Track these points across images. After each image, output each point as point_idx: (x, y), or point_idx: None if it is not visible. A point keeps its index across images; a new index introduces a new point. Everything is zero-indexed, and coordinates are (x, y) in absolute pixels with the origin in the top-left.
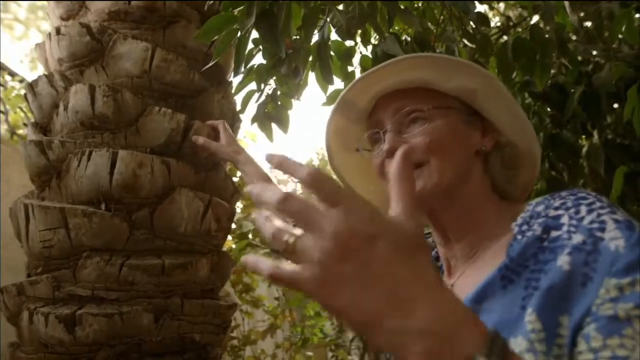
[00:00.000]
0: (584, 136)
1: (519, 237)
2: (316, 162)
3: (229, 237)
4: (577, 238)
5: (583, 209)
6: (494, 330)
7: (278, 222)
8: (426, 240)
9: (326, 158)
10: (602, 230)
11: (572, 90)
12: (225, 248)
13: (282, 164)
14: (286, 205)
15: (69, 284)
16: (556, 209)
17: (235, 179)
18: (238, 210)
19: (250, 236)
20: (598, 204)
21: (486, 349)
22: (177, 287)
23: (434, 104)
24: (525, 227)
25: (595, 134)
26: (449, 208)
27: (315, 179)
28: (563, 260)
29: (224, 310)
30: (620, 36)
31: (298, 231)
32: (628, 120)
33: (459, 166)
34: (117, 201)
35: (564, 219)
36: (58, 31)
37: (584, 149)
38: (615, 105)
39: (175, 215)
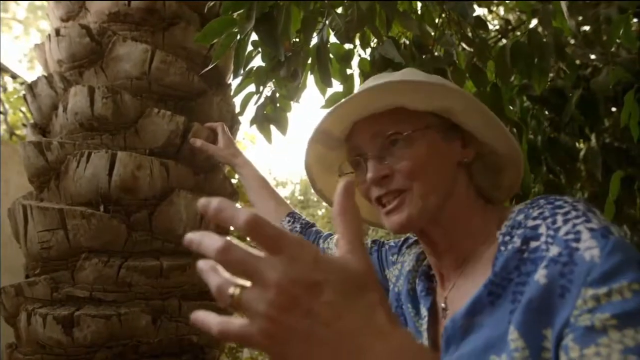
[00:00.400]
0: (581, 140)
1: (502, 248)
2: None
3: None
4: (554, 250)
5: (559, 219)
6: None
7: (223, 273)
8: (375, 277)
9: None
10: (577, 240)
11: (570, 94)
12: None
13: (218, 214)
14: (226, 256)
15: (67, 285)
16: (534, 218)
17: (233, 181)
18: None
19: (247, 238)
20: (573, 213)
21: None
22: (175, 289)
23: (413, 126)
24: (507, 238)
25: (593, 137)
26: (436, 225)
27: (254, 226)
28: (540, 274)
29: (222, 312)
30: (618, 40)
31: (243, 282)
32: (625, 125)
33: (443, 185)
34: (116, 202)
35: (542, 229)
36: (58, 32)
37: (582, 153)
38: (613, 109)
39: (173, 217)
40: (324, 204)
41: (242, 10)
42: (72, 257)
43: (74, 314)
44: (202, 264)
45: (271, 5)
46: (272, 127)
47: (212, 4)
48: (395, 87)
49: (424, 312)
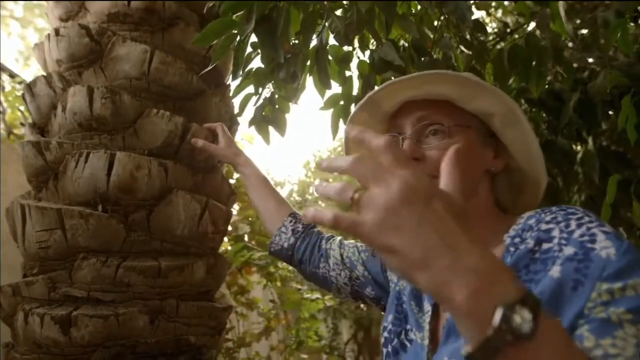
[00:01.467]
0: (579, 143)
1: (512, 249)
2: (313, 165)
3: (225, 240)
4: (569, 250)
5: (573, 223)
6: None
7: (341, 183)
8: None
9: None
10: (593, 241)
11: (568, 97)
12: (221, 250)
13: (359, 135)
14: (359, 165)
15: (65, 284)
16: (547, 222)
17: (231, 182)
18: (234, 212)
19: (246, 239)
20: (587, 219)
21: (523, 293)
22: (173, 289)
23: (455, 121)
24: (517, 240)
25: (590, 140)
26: None
27: (388, 146)
28: (554, 270)
29: (220, 312)
30: (615, 44)
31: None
32: (622, 128)
33: (469, 184)
34: (114, 203)
35: (555, 232)
36: (57, 32)
37: (579, 156)
38: (610, 113)
39: (172, 217)
40: (322, 204)
41: (241, 12)
42: (70, 257)
43: (72, 314)
44: (317, 184)
45: (271, 7)
46: (271, 128)
47: (211, 4)
48: (449, 79)
49: (427, 307)
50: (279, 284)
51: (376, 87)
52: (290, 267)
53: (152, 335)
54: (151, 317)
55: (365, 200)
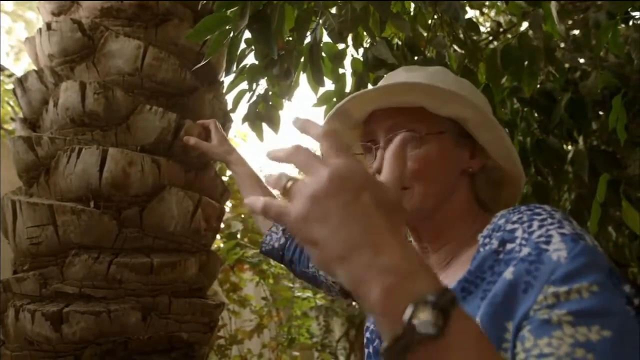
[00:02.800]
0: (569, 142)
1: (481, 249)
2: None
3: (218, 237)
4: (524, 251)
5: (535, 224)
6: (447, 286)
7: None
8: (404, 208)
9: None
10: (548, 243)
11: (560, 97)
12: (213, 247)
13: (304, 124)
14: (294, 154)
15: (56, 281)
16: (513, 222)
17: (224, 179)
18: (227, 209)
19: (238, 236)
20: (549, 220)
21: (437, 293)
22: (165, 286)
23: (427, 129)
24: (487, 240)
25: (581, 140)
26: (429, 225)
27: (326, 135)
28: (508, 271)
29: (212, 309)
30: (606, 45)
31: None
32: (612, 128)
33: (443, 190)
34: (107, 199)
35: (518, 232)
36: (49, 27)
37: (570, 155)
38: (601, 113)
39: (164, 214)
40: None
41: (235, 8)
42: (61, 253)
43: (63, 310)
44: (266, 175)
45: (265, 3)
46: (264, 125)
47: (205, 1)
48: (418, 88)
49: None
50: (271, 281)
51: (345, 99)
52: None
53: (144, 332)
54: (143, 313)
55: (294, 189)
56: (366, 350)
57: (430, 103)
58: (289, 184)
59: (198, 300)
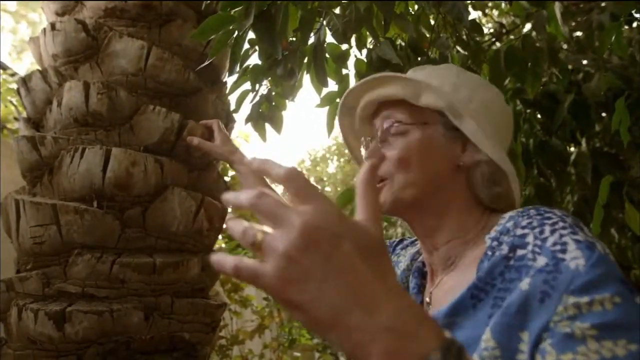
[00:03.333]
0: (572, 144)
1: (489, 253)
2: (307, 163)
3: (220, 237)
4: (541, 261)
5: (547, 229)
6: (451, 336)
7: (246, 223)
8: (388, 248)
9: (317, 159)
10: (564, 251)
11: (563, 98)
12: (215, 248)
13: (262, 165)
14: (258, 202)
15: (59, 280)
16: (523, 227)
17: (227, 179)
18: (229, 210)
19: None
20: (561, 224)
21: (442, 350)
22: (168, 286)
23: (412, 119)
24: (495, 244)
25: (584, 142)
26: (419, 220)
27: (289, 176)
28: (524, 282)
29: (214, 310)
30: (610, 47)
31: (268, 230)
32: (615, 130)
33: (425, 181)
34: (110, 199)
35: (529, 238)
36: (53, 27)
37: (572, 157)
38: (604, 115)
39: (167, 214)
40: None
41: (240, 8)
42: (64, 252)
43: (66, 310)
44: (229, 219)
45: (269, 3)
46: (267, 126)
47: (208, 1)
48: (388, 80)
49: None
50: None
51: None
52: None
53: (147, 331)
54: (146, 313)
55: (265, 245)
56: None
57: (406, 94)
58: (258, 237)
59: (200, 301)
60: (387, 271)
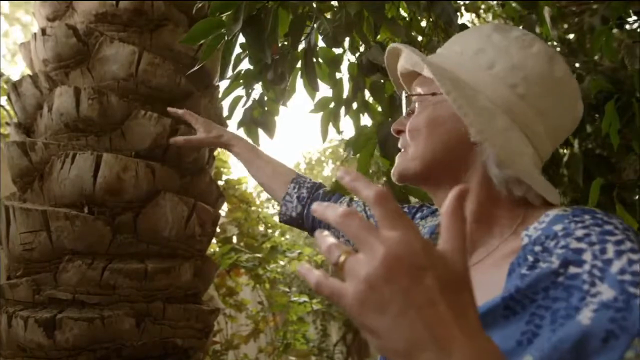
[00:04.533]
0: (565, 146)
1: (530, 258)
2: (303, 166)
3: (213, 241)
4: (606, 292)
5: (610, 249)
6: None
7: (333, 240)
8: (471, 280)
9: (313, 162)
10: (636, 284)
11: None
12: (208, 252)
13: (352, 182)
14: (345, 222)
15: (50, 287)
16: (578, 239)
17: (220, 183)
18: (222, 214)
19: (234, 240)
20: (629, 245)
21: None
22: (160, 292)
23: (428, 90)
24: (538, 248)
25: (576, 144)
26: (436, 194)
27: (378, 200)
28: (584, 315)
29: (206, 315)
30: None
31: (352, 250)
32: (607, 133)
33: (435, 154)
34: (101, 204)
35: (587, 256)
36: (44, 32)
37: (565, 159)
38: (597, 116)
39: (159, 220)
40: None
41: (229, 12)
42: (55, 259)
43: (56, 317)
44: (318, 232)
45: (259, 7)
46: (260, 130)
47: (200, 5)
48: (396, 52)
49: None
50: (267, 286)
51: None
52: (279, 269)
53: (138, 338)
54: (137, 319)
55: (348, 267)
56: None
57: (414, 65)
58: (341, 258)
59: (193, 306)
60: (469, 307)
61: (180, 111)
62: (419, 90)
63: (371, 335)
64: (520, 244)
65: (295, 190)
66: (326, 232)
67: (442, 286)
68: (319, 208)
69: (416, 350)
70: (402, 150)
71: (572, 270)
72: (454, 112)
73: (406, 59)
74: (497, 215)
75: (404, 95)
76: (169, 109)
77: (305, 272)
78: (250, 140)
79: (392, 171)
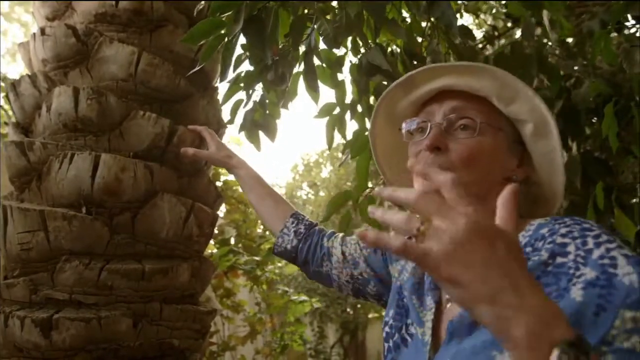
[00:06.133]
0: (564, 149)
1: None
2: (301, 168)
3: (211, 243)
4: (589, 273)
5: (590, 241)
6: (581, 333)
7: (402, 213)
8: (521, 248)
9: (311, 164)
10: (614, 266)
11: (552, 104)
12: (206, 253)
13: (392, 196)
14: (424, 199)
15: (47, 287)
16: (563, 236)
17: (218, 184)
18: (221, 215)
19: (232, 242)
20: (604, 237)
21: (576, 341)
22: (157, 292)
23: (489, 120)
24: (529, 249)
25: (575, 147)
26: None
27: (455, 184)
28: (576, 293)
29: (204, 316)
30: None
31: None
32: (606, 136)
33: (482, 186)
34: (99, 205)
35: (571, 248)
36: (43, 32)
37: (564, 162)
38: (595, 120)
39: (157, 220)
40: (310, 207)
41: (230, 12)
42: (52, 259)
43: (53, 317)
44: (372, 209)
45: (260, 7)
46: (260, 133)
47: (200, 6)
48: (495, 75)
49: (430, 304)
50: (264, 287)
51: (414, 70)
52: (277, 270)
53: (135, 338)
54: (134, 320)
55: (432, 232)
56: (385, 345)
57: (500, 95)
58: (423, 227)
59: (190, 307)
60: (526, 270)
61: (200, 128)
62: (473, 114)
63: (454, 285)
64: None
65: (294, 225)
66: (380, 210)
67: (509, 251)
68: (386, 191)
69: (498, 293)
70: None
71: (559, 260)
72: (506, 147)
73: (494, 86)
74: None
75: (453, 114)
76: (190, 126)
77: (377, 236)
78: (251, 144)
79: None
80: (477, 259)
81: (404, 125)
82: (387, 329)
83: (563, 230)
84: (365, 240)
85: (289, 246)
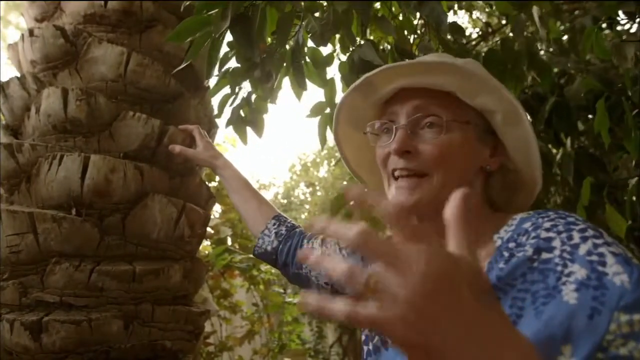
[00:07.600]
0: (558, 145)
1: (506, 254)
2: (298, 167)
3: (207, 242)
4: (579, 272)
5: (576, 236)
6: None
7: (343, 261)
8: (487, 276)
9: (308, 163)
10: (603, 264)
11: (544, 101)
12: (202, 253)
13: (362, 197)
14: (365, 241)
15: (37, 289)
16: (547, 230)
17: (213, 184)
18: (216, 215)
19: (229, 242)
20: (591, 232)
21: None
22: (148, 294)
23: (454, 116)
24: (512, 245)
25: (568, 142)
26: (438, 218)
27: (398, 217)
28: (569, 295)
29: (196, 317)
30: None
31: (376, 268)
32: (599, 132)
33: (460, 182)
34: (89, 206)
35: (556, 243)
36: (31, 33)
37: (557, 158)
38: (590, 117)
39: (147, 221)
40: (307, 206)
41: (216, 10)
42: (42, 261)
43: (43, 320)
44: (308, 254)
45: (246, 5)
46: (248, 130)
47: (187, 4)
48: (455, 70)
49: None
50: (262, 287)
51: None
52: (274, 270)
53: (127, 340)
54: (125, 322)
55: (382, 288)
56: (365, 348)
57: (464, 89)
58: (372, 280)
59: (182, 308)
60: (494, 306)
61: (191, 127)
62: (437, 111)
63: (420, 352)
64: (494, 247)
65: (275, 226)
66: (318, 253)
67: (474, 293)
68: (330, 227)
69: (473, 351)
70: (426, 175)
71: (545, 255)
72: (476, 140)
73: (454, 80)
74: (478, 224)
75: (417, 113)
76: (181, 126)
77: (321, 306)
78: (239, 139)
79: (405, 200)
80: (441, 315)
81: (368, 128)
82: (366, 331)
83: (547, 225)
84: (308, 304)
85: (269, 247)
